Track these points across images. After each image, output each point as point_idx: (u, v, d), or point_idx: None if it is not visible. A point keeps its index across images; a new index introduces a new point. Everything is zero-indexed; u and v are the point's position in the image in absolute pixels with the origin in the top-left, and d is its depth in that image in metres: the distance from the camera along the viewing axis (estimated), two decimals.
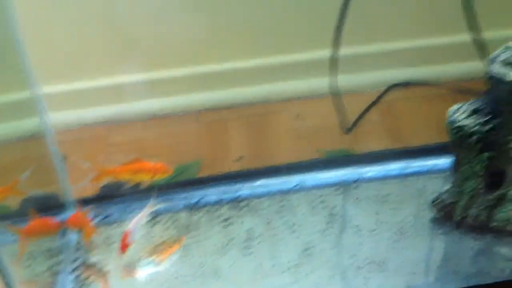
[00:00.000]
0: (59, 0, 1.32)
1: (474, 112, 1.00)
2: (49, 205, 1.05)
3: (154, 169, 1.04)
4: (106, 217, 1.10)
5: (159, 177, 1.04)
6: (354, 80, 1.44)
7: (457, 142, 1.01)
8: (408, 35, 1.44)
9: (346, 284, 0.98)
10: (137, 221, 1.01)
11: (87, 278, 1.00)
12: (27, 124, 1.05)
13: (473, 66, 1.36)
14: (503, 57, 0.96)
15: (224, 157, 1.31)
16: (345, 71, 1.39)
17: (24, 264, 0.90)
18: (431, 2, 1.39)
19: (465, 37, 1.36)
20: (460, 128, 0.99)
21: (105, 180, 1.07)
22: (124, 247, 0.98)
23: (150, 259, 1.03)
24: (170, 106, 1.45)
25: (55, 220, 1.01)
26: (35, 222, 0.95)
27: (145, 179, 1.04)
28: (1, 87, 0.98)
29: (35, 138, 1.07)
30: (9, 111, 1.00)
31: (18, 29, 0.97)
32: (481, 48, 1.32)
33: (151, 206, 1.05)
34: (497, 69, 0.95)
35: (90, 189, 1.11)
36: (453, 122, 1.00)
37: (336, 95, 1.36)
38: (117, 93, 1.42)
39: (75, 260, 1.02)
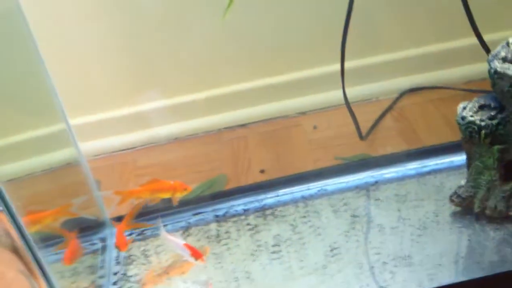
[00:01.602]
0: (82, 40, 1.40)
1: (481, 108, 1.04)
2: (90, 225, 1.12)
3: (173, 188, 1.09)
4: (141, 232, 1.16)
5: (179, 195, 1.10)
6: (366, 89, 1.50)
7: (468, 138, 1.05)
8: (413, 43, 1.50)
9: (373, 280, 1.01)
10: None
11: None
12: (63, 154, 1.13)
13: (481, 67, 1.40)
14: (503, 54, 1.01)
15: (247, 171, 1.37)
16: (357, 81, 1.46)
17: (69, 280, 0.96)
18: (432, 10, 1.45)
19: (469, 40, 1.41)
20: (469, 124, 1.03)
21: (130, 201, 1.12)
22: (122, 245, 1.04)
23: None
24: (192, 128, 1.51)
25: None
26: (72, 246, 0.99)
27: (165, 197, 1.09)
28: (37, 121, 1.05)
29: (71, 166, 1.14)
30: (46, 143, 1.07)
31: (46, 67, 1.05)
32: (486, 49, 1.37)
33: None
34: (498, 65, 0.99)
35: (124, 209, 1.17)
36: (462, 119, 1.05)
37: (349, 105, 1.41)
38: (141, 120, 1.49)
39: (115, 274, 1.08)
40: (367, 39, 1.45)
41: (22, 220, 0.77)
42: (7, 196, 0.75)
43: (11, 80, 0.96)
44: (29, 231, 0.79)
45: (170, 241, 1.06)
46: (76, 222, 1.04)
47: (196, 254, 1.01)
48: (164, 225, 1.13)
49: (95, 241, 1.12)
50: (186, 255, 1.02)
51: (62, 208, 0.98)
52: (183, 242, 1.03)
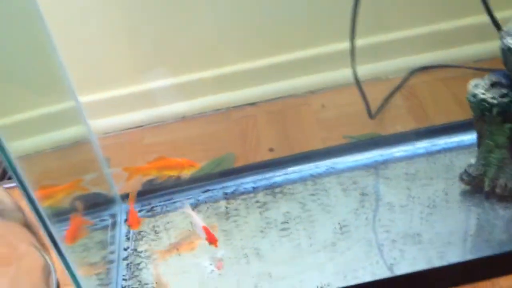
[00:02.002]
0: (91, 18, 1.40)
1: (493, 85, 1.03)
2: (100, 202, 1.12)
3: (180, 165, 1.08)
4: (151, 209, 1.17)
5: (187, 172, 1.10)
6: (375, 68, 1.49)
7: (479, 116, 1.04)
8: (424, 21, 1.48)
9: (382, 257, 1.02)
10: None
11: (138, 264, 1.06)
12: (73, 131, 1.13)
13: (491, 46, 1.39)
14: None
15: (256, 149, 1.37)
16: (366, 60, 1.44)
17: (80, 255, 0.97)
18: None
19: (479, 18, 1.39)
20: (481, 102, 1.02)
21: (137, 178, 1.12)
22: (134, 223, 1.05)
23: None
24: (200, 106, 1.51)
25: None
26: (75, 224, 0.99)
27: (172, 174, 1.09)
28: (47, 99, 1.05)
29: (81, 144, 1.14)
30: (56, 120, 1.07)
31: (55, 44, 1.05)
32: (497, 27, 1.35)
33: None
34: (511, 41, 0.98)
35: (134, 186, 1.18)
36: (473, 96, 1.04)
37: (359, 83, 1.40)
38: (150, 98, 1.49)
39: (126, 249, 1.09)
40: (377, 16, 1.43)
41: (35, 195, 0.78)
42: (20, 171, 0.76)
43: (21, 57, 0.96)
44: (41, 206, 0.79)
45: (192, 217, 1.07)
46: (86, 198, 1.05)
47: (212, 239, 1.01)
48: (174, 202, 1.14)
49: (105, 217, 1.12)
50: (202, 236, 1.03)
51: (74, 183, 0.99)
52: (203, 224, 1.03)
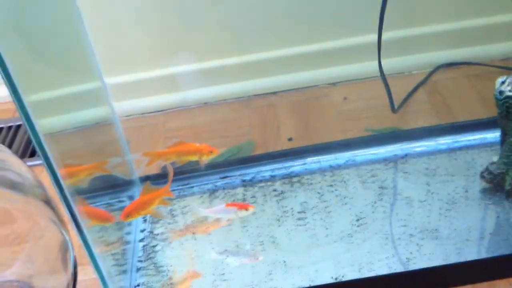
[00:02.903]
0: (120, 1, 1.40)
1: None
2: (119, 183, 1.13)
3: (199, 150, 1.07)
4: None
5: (206, 158, 1.08)
6: (399, 62, 1.47)
7: (504, 113, 1.03)
8: (452, 17, 1.46)
9: (399, 251, 1.01)
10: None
11: (154, 246, 1.07)
12: (98, 112, 1.14)
13: None
14: None
15: (275, 138, 1.36)
16: (391, 54, 1.43)
17: (97, 234, 0.98)
18: None
19: (509, 16, 1.37)
20: (507, 99, 1.01)
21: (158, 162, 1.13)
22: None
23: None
24: (222, 93, 1.51)
25: (107, 213, 1.07)
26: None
27: (192, 159, 1.08)
28: (75, 78, 1.06)
29: (104, 125, 1.15)
30: (82, 100, 1.08)
31: (85, 25, 1.06)
32: None
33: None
34: None
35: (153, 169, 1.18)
36: (500, 93, 1.02)
37: (384, 76, 1.39)
38: (172, 83, 1.49)
39: (142, 231, 1.10)
40: (405, 10, 1.42)
41: (59, 172, 0.79)
42: (47, 148, 0.77)
43: (49, 35, 0.97)
44: (65, 184, 0.80)
45: (212, 212, 1.06)
46: (105, 178, 1.06)
47: (242, 206, 1.01)
48: (191, 187, 1.14)
49: (123, 198, 1.13)
50: (234, 213, 1.02)
51: (98, 164, 0.99)
52: (223, 205, 1.03)
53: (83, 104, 1.05)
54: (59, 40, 0.98)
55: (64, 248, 0.93)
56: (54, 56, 0.95)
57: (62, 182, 0.77)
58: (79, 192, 0.89)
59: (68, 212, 0.80)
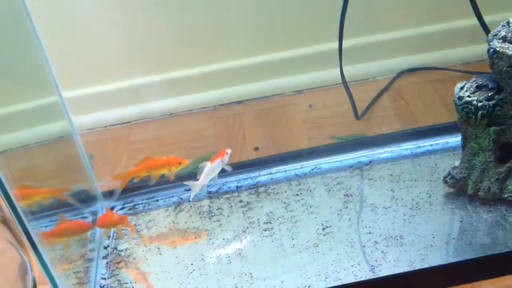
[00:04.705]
0: (77, 12, 1.38)
1: (479, 88, 1.03)
2: (81, 198, 1.11)
3: (168, 163, 1.09)
4: (133, 207, 1.16)
5: (175, 169, 1.09)
6: (363, 69, 1.48)
7: (464, 119, 1.04)
8: (412, 23, 1.48)
9: (364, 259, 1.01)
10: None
11: (118, 263, 1.05)
12: (56, 127, 1.12)
13: (479, 49, 1.39)
14: (503, 33, 1.00)
15: (242, 148, 1.36)
16: (354, 60, 1.44)
17: (58, 252, 0.95)
18: None
19: (468, 21, 1.39)
20: (466, 104, 1.03)
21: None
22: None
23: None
24: (187, 104, 1.50)
25: (84, 222, 1.07)
26: (64, 224, 0.99)
27: (162, 172, 1.09)
28: (30, 93, 1.04)
29: (63, 139, 1.13)
30: (38, 115, 1.06)
31: (41, 39, 1.04)
32: (486, 30, 1.35)
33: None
34: (497, 45, 0.98)
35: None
36: (459, 99, 1.04)
37: (346, 83, 1.39)
38: (136, 94, 1.48)
39: (106, 247, 1.08)
40: (365, 17, 1.43)
41: (12, 192, 0.76)
42: None
43: (4, 50, 0.94)
44: (19, 204, 0.78)
45: (207, 175, 1.07)
46: (70, 195, 1.04)
47: (221, 153, 1.06)
48: (156, 200, 1.13)
49: (86, 214, 1.11)
50: (218, 164, 1.06)
51: (58, 190, 0.97)
52: (208, 163, 1.06)
53: (39, 119, 1.03)
54: (12, 54, 0.96)
55: (23, 269, 0.90)
56: (7, 71, 0.93)
57: (15, 202, 0.75)
58: (37, 211, 0.87)
59: (23, 232, 0.78)
